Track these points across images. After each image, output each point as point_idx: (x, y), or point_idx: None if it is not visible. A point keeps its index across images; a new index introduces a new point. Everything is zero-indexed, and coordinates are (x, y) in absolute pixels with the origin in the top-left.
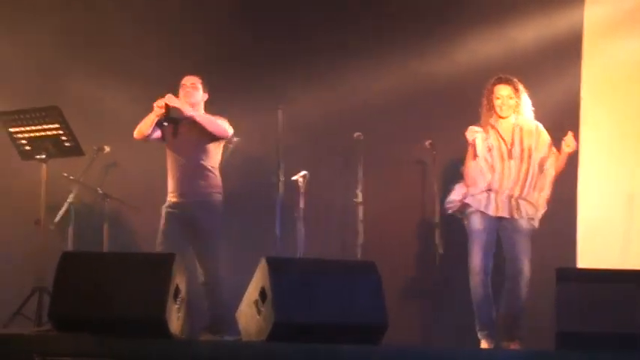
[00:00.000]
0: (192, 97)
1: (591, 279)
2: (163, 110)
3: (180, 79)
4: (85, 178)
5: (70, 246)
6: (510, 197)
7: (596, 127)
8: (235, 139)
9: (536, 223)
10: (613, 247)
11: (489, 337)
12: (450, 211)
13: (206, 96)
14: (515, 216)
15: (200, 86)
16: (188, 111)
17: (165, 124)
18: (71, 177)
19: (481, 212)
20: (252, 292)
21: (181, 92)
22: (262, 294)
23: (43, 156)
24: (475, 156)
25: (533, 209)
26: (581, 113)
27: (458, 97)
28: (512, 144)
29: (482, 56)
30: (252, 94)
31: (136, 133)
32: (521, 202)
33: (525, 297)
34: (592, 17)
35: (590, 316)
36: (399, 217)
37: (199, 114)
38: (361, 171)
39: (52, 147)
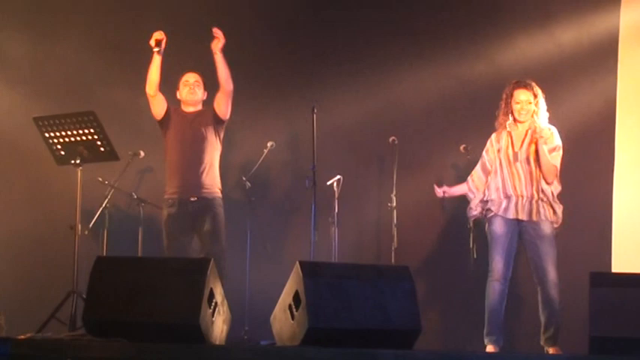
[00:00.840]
0: (196, 95)
1: (625, 283)
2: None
3: (209, 83)
4: (120, 183)
5: (104, 251)
6: (530, 200)
7: (632, 130)
8: (270, 143)
9: (557, 225)
10: None
11: (496, 343)
12: (472, 219)
13: (206, 94)
14: (535, 218)
15: (202, 84)
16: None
17: (156, 49)
18: (106, 182)
19: (501, 216)
20: (286, 297)
21: (184, 88)
22: (296, 299)
23: (78, 161)
24: (484, 162)
25: (551, 211)
26: (617, 117)
27: (493, 101)
28: (521, 147)
29: (517, 61)
30: (286, 99)
31: (148, 87)
32: (540, 203)
33: (558, 302)
34: (628, 22)
35: (623, 320)
36: (433, 222)
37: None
38: (395, 175)
39: (87, 152)
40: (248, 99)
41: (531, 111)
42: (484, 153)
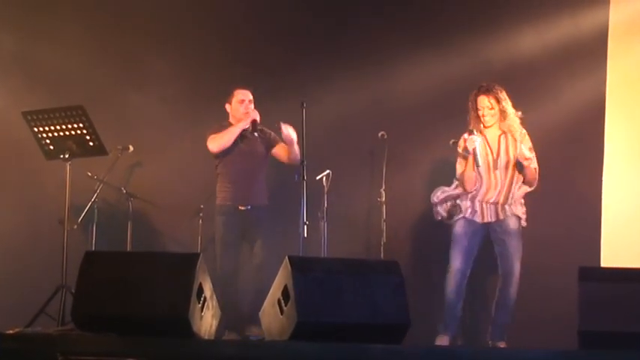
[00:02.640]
0: (253, 113)
1: (614, 278)
2: (251, 123)
3: (199, 78)
4: (109, 177)
5: (93, 245)
6: (496, 204)
7: (621, 125)
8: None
9: (524, 222)
10: (637, 247)
11: (448, 335)
12: (439, 218)
13: None
14: (501, 217)
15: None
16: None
17: (256, 134)
18: (95, 176)
19: (466, 218)
20: (275, 292)
21: (239, 106)
22: (285, 293)
23: (67, 155)
24: (476, 165)
25: (520, 208)
26: (606, 112)
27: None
28: (498, 154)
29: (506, 56)
30: (276, 94)
31: (216, 146)
32: (506, 207)
33: (515, 297)
34: (617, 17)
35: (612, 315)
36: (423, 217)
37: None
38: (385, 170)
39: (76, 146)
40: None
41: (496, 115)
42: (461, 150)
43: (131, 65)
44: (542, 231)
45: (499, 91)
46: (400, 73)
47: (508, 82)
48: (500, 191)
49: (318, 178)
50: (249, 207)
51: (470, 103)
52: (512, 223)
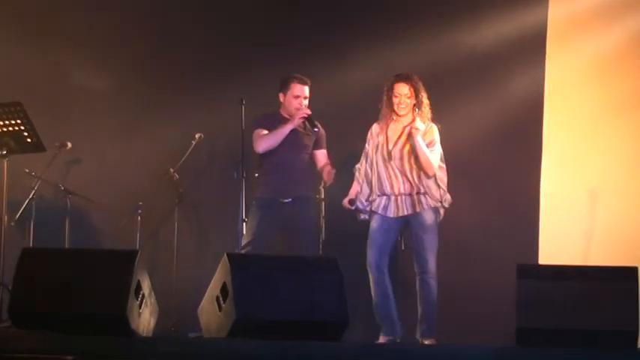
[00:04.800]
0: (304, 110)
1: (552, 275)
2: (306, 121)
3: (139, 76)
4: (47, 174)
5: (30, 242)
6: (411, 195)
7: (559, 124)
8: (197, 135)
9: (441, 209)
10: (576, 245)
11: (385, 334)
12: (361, 218)
13: None
14: (417, 209)
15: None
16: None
17: (316, 129)
18: (33, 173)
19: (380, 214)
20: (213, 289)
21: (294, 101)
22: (223, 290)
23: (4, 152)
24: (366, 152)
25: (435, 197)
26: (544, 110)
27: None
28: (395, 145)
29: (441, 55)
30: (215, 91)
31: (264, 148)
32: (421, 196)
33: (435, 291)
34: (556, 14)
35: (549, 312)
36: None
37: None
38: None
39: (14, 143)
40: (177, 91)
41: (410, 105)
42: (366, 144)
43: (70, 62)
44: (481, 229)
45: (418, 81)
46: (335, 69)
47: (443, 78)
48: (404, 181)
49: (257, 175)
50: (289, 200)
51: (385, 91)
52: (429, 217)
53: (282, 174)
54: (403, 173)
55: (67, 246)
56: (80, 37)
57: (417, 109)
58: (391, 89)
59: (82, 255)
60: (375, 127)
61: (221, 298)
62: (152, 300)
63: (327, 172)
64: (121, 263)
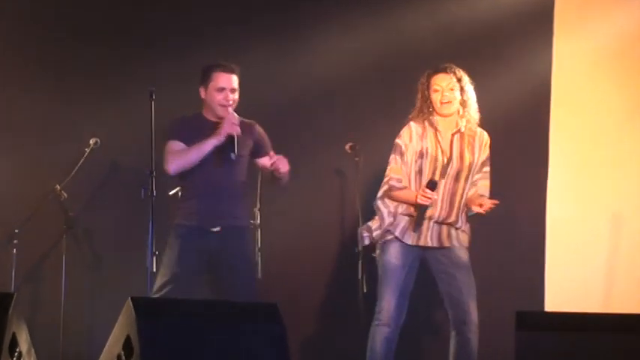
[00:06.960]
0: (230, 127)
1: (557, 325)
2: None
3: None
4: None
5: None
6: (441, 224)
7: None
8: (93, 140)
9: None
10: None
11: None
12: (366, 242)
13: None
14: (446, 244)
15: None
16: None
17: (233, 156)
18: None
19: (400, 241)
20: (113, 345)
21: (217, 96)
22: (127, 347)
23: None
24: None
25: (467, 237)
26: (551, 99)
27: (389, 87)
28: (450, 159)
29: (437, 35)
30: (116, 84)
31: (175, 169)
32: (453, 231)
33: (476, 350)
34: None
35: None
36: (311, 245)
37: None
38: (260, 185)
39: None
40: (62, 85)
41: (456, 100)
42: (402, 148)
43: None
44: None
45: (460, 72)
46: (280, 59)
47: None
48: (444, 205)
49: (171, 193)
50: (218, 229)
51: (420, 88)
52: (463, 254)
53: (209, 196)
54: (449, 195)
55: None
56: None
57: (461, 110)
58: (427, 85)
59: None
60: (415, 129)
61: (123, 357)
62: (32, 358)
63: (280, 161)
64: None
